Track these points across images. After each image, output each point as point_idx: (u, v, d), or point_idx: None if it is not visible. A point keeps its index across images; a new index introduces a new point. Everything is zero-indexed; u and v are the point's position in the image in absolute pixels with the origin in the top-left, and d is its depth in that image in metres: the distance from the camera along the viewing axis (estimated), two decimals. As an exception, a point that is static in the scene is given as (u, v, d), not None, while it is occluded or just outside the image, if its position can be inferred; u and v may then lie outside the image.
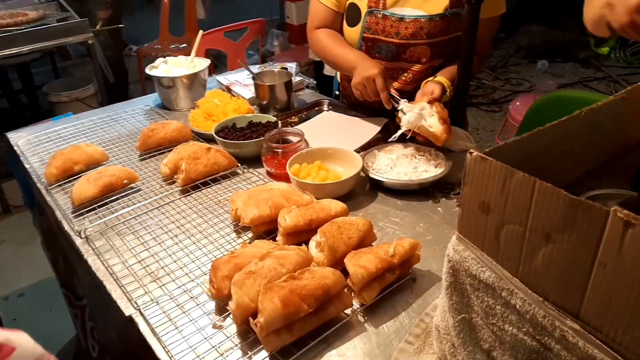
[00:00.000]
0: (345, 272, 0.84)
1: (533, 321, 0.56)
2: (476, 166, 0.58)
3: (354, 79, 1.34)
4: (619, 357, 0.49)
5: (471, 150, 0.58)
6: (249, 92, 1.71)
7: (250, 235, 1.04)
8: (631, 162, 0.84)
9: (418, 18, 1.33)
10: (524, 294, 0.57)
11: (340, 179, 1.13)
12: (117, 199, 1.20)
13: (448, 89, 1.31)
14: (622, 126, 0.83)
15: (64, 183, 1.27)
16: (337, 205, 1.02)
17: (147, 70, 1.70)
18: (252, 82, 1.67)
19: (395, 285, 0.88)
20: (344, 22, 1.47)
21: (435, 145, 1.25)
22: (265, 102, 1.59)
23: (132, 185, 1.24)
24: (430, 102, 1.21)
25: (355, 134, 1.39)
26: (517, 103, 2.86)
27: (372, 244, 0.96)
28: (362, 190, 1.20)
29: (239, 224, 1.03)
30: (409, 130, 1.23)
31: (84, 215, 1.15)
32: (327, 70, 3.20)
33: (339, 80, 1.68)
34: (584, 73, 4.35)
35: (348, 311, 0.82)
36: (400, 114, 1.25)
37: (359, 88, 1.32)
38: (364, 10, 1.39)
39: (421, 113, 1.20)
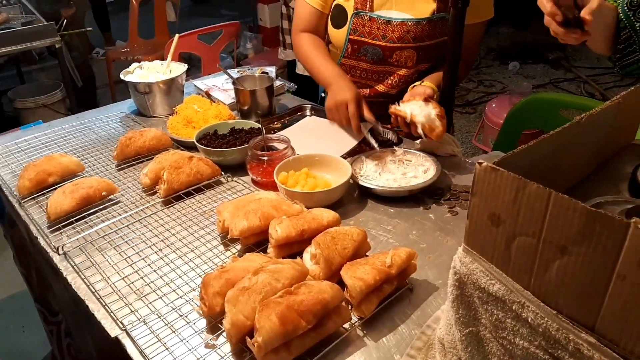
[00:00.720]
0: (341, 284, 0.81)
1: (546, 334, 0.55)
2: (486, 177, 0.56)
3: (327, 102, 1.35)
4: (636, 370, 0.48)
5: (480, 161, 0.57)
6: (229, 98, 1.67)
7: (239, 247, 1.01)
8: (623, 165, 0.85)
9: (405, 21, 1.32)
10: (536, 307, 0.55)
11: (330, 187, 1.10)
12: (96, 212, 1.14)
13: (435, 94, 1.30)
14: (615, 131, 0.84)
15: (38, 196, 1.20)
16: (329, 215, 0.99)
17: (122, 76, 1.64)
18: (231, 87, 1.63)
19: (393, 297, 0.86)
20: (329, 23, 1.45)
21: (424, 150, 1.24)
22: (246, 108, 1.55)
23: (111, 197, 1.19)
24: (426, 100, 1.20)
25: (341, 139, 1.37)
26: (493, 105, 2.89)
27: (367, 253, 0.94)
28: (351, 197, 1.18)
29: (227, 236, 0.99)
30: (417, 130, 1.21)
31: (61, 230, 1.09)
32: (300, 69, 3.17)
33: None
34: (555, 74, 4.44)
35: (347, 325, 0.80)
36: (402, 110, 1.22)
37: (331, 112, 1.32)
38: (350, 11, 1.37)
39: (428, 110, 1.19)
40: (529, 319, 0.56)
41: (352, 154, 1.29)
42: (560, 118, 1.71)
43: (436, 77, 1.35)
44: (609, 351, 0.50)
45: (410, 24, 1.32)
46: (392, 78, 1.41)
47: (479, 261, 0.61)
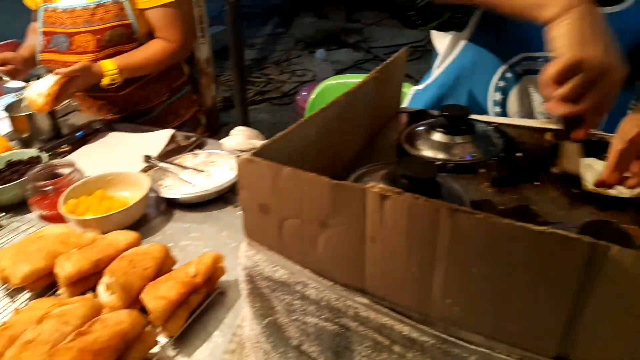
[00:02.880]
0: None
1: (329, 306, 0.57)
2: (246, 169, 0.56)
3: None
4: (405, 319, 0.53)
5: (238, 154, 0.57)
6: (4, 126, 1.46)
7: (29, 295, 0.88)
8: (392, 133, 0.93)
9: (75, 8, 1.41)
10: (316, 283, 0.57)
11: (127, 206, 1.03)
12: None
13: (107, 72, 1.37)
14: (380, 102, 0.91)
15: None
16: (127, 236, 0.92)
17: None
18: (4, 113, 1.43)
19: (205, 305, 0.83)
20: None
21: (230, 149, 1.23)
22: (26, 136, 1.38)
23: None
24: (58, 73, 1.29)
25: (141, 151, 1.29)
26: (303, 93, 3.02)
27: (173, 268, 0.89)
28: (157, 211, 1.12)
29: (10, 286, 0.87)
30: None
31: None
32: None
33: None
34: (357, 57, 4.81)
35: (156, 349, 0.75)
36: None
37: None
38: (39, 6, 1.48)
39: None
40: (313, 296, 0.58)
41: (163, 158, 1.22)
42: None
43: (126, 57, 1.43)
44: (380, 307, 0.54)
45: (79, 9, 1.41)
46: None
47: (261, 252, 0.61)
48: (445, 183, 0.69)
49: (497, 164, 0.76)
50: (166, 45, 1.48)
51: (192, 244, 1.01)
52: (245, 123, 1.41)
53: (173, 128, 1.41)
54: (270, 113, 3.82)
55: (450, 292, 0.49)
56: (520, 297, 0.46)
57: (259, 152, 0.56)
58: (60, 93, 1.29)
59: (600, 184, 0.68)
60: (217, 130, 1.40)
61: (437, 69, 1.12)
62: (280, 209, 0.55)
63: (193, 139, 1.36)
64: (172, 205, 1.13)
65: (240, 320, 0.79)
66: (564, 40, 0.62)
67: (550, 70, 0.64)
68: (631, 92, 1.04)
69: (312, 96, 1.97)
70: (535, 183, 0.75)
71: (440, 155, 0.81)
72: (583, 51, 0.61)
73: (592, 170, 0.74)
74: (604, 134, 0.86)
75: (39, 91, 1.27)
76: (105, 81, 1.38)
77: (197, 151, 1.26)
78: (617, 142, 0.66)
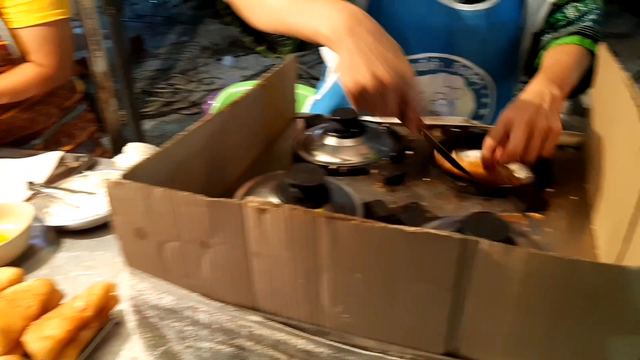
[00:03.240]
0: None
1: (222, 328, 0.55)
2: (116, 192, 0.52)
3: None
4: (300, 332, 0.51)
5: (107, 178, 0.52)
6: None
7: None
8: (287, 139, 0.92)
9: None
10: (205, 306, 0.54)
11: (6, 240, 0.93)
12: None
13: None
14: (272, 109, 0.89)
15: None
16: (7, 274, 0.83)
17: None
18: None
19: (99, 339, 0.77)
20: None
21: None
22: None
23: None
24: None
25: (24, 178, 1.18)
26: (210, 101, 2.95)
27: (60, 302, 0.82)
28: (44, 242, 1.02)
29: None
30: None
31: None
32: None
33: None
34: (265, 62, 4.77)
35: (42, 396, 0.68)
36: None
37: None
38: None
39: None
40: (203, 320, 0.55)
41: (49, 184, 1.12)
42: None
43: None
44: (273, 323, 0.52)
45: None
46: None
47: (144, 279, 0.57)
48: (337, 187, 0.68)
49: (389, 164, 0.78)
50: (37, 70, 1.31)
51: (84, 274, 0.93)
52: (141, 139, 1.34)
53: (69, 152, 1.31)
54: (179, 124, 3.70)
55: (338, 300, 0.48)
56: (404, 298, 0.46)
57: (129, 174, 0.52)
58: None
59: (483, 162, 0.74)
60: (120, 148, 1.32)
61: (329, 78, 1.13)
62: (157, 233, 0.52)
63: (84, 159, 1.27)
64: (61, 234, 1.04)
65: (135, 352, 0.74)
66: (340, 68, 0.63)
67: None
68: (515, 83, 1.10)
69: (217, 104, 1.92)
70: (424, 179, 0.77)
71: (335, 159, 0.81)
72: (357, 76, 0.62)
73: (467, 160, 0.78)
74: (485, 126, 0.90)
75: None
76: None
77: (87, 173, 1.17)
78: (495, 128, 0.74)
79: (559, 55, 0.89)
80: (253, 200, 0.46)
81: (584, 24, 0.95)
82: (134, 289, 0.58)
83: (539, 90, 0.78)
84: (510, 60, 1.02)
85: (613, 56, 0.71)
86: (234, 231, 0.48)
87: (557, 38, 0.96)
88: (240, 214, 0.47)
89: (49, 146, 1.47)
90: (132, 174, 0.53)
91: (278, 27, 0.76)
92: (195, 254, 0.51)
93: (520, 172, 0.77)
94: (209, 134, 0.68)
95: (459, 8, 0.95)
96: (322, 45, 0.72)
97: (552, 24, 0.98)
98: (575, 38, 0.92)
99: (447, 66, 0.99)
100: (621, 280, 0.38)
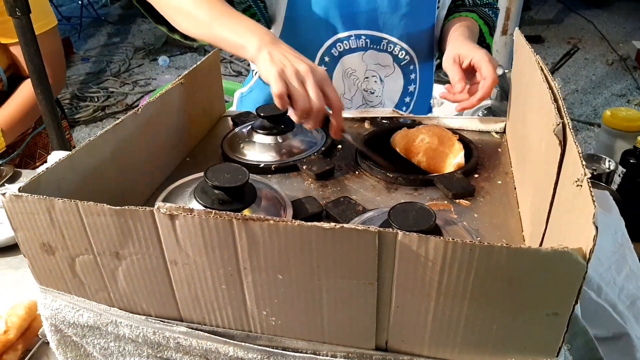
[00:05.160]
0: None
1: (147, 342, 0.52)
2: (16, 207, 0.48)
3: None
4: (228, 340, 0.49)
5: (3, 191, 0.48)
6: None
7: None
8: (217, 138, 0.89)
9: None
10: (127, 320, 0.51)
11: None
12: None
13: None
14: (196, 107, 0.86)
15: None
16: None
17: None
18: None
19: (26, 361, 0.72)
20: None
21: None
22: None
23: None
24: None
25: None
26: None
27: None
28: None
29: None
30: None
31: None
32: None
33: None
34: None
35: None
36: None
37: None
38: None
39: None
40: (127, 334, 0.52)
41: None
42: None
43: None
44: (200, 332, 0.50)
45: None
46: None
47: (59, 297, 0.53)
48: (265, 186, 0.67)
49: (319, 159, 0.76)
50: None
51: (8, 293, 0.87)
52: (67, 147, 1.27)
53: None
54: (116, 129, 3.55)
55: (264, 303, 0.47)
56: (329, 295, 0.45)
57: (28, 186, 0.48)
58: None
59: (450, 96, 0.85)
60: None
61: (255, 72, 1.11)
62: (66, 247, 0.48)
63: (6, 170, 1.18)
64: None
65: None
66: (263, 72, 0.72)
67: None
68: (432, 61, 1.12)
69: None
70: (356, 172, 0.76)
71: (264, 157, 0.79)
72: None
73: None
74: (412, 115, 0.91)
75: None
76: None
77: (8, 185, 1.10)
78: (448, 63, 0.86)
79: (463, 22, 1.02)
80: (164, 206, 0.43)
81: (482, 7, 1.08)
82: (49, 308, 0.54)
83: (462, 38, 0.92)
84: (429, 37, 1.05)
85: (526, 40, 0.73)
86: (147, 240, 0.45)
87: (459, 13, 1.07)
88: (152, 221, 0.44)
89: (23, 159, 1.37)
90: (34, 186, 0.49)
91: (203, 37, 0.83)
92: (109, 267, 0.48)
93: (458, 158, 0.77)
94: (121, 138, 0.64)
95: None
96: (242, 58, 0.81)
97: (458, 5, 1.10)
98: (473, 15, 1.06)
99: (374, 43, 1.02)
100: (534, 262, 0.38)
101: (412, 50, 1.03)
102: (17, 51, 1.23)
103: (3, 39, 1.21)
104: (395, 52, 1.02)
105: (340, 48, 1.00)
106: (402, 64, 1.04)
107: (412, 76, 1.06)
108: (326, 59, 1.01)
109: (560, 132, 0.49)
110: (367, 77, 1.05)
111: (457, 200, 0.70)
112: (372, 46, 1.01)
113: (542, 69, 0.62)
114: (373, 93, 1.06)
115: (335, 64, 1.02)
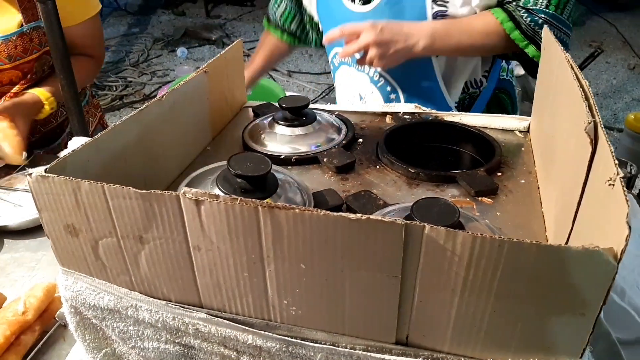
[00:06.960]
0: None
1: (167, 327, 0.52)
2: (41, 188, 0.48)
3: None
4: (248, 328, 0.49)
5: (30, 172, 0.49)
6: None
7: None
8: (237, 129, 0.89)
9: None
10: (148, 304, 0.52)
11: None
12: None
13: (46, 101, 1.20)
14: (218, 97, 0.86)
15: None
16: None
17: None
18: None
19: (43, 343, 0.73)
20: None
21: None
22: None
23: None
24: None
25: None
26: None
27: (2, 306, 0.77)
28: (-18, 244, 0.96)
29: None
30: None
31: None
32: None
33: None
34: (220, 52, 4.68)
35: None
36: None
37: None
38: None
39: None
40: (146, 319, 0.52)
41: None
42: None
43: (55, 81, 1.23)
44: (221, 320, 0.50)
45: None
46: (6, 99, 1.23)
47: (80, 279, 0.54)
48: (286, 178, 0.66)
49: (339, 152, 0.76)
50: (91, 62, 1.36)
51: (26, 275, 0.88)
52: (86, 132, 1.28)
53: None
54: (133, 118, 3.58)
55: (285, 292, 0.46)
56: (352, 287, 0.44)
57: (54, 168, 0.48)
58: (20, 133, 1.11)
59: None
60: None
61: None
62: (90, 229, 0.49)
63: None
64: (2, 234, 0.98)
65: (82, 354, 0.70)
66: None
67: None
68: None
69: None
70: (377, 167, 0.76)
71: (285, 149, 0.79)
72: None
73: None
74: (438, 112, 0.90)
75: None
76: (46, 111, 1.22)
77: (30, 170, 1.11)
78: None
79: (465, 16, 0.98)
80: (189, 192, 0.43)
81: (520, 7, 0.94)
82: (70, 290, 0.54)
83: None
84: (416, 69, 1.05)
85: (555, 38, 0.72)
86: (172, 224, 0.45)
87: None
88: (178, 206, 0.44)
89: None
90: (59, 168, 0.49)
91: None
92: (132, 250, 0.48)
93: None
94: (145, 124, 0.65)
95: (351, 8, 1.07)
96: None
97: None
98: (496, 9, 0.96)
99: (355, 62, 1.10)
100: (564, 261, 0.37)
101: (388, 74, 1.09)
102: (77, 32, 1.29)
103: (65, 22, 1.22)
104: (370, 73, 1.11)
105: (340, 60, 1.17)
106: (378, 85, 1.11)
107: (392, 96, 1.11)
108: (331, 66, 1.18)
109: (591, 130, 0.48)
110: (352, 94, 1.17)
111: (480, 198, 0.69)
112: (354, 64, 1.13)
113: (572, 67, 0.61)
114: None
115: (335, 72, 1.22)
